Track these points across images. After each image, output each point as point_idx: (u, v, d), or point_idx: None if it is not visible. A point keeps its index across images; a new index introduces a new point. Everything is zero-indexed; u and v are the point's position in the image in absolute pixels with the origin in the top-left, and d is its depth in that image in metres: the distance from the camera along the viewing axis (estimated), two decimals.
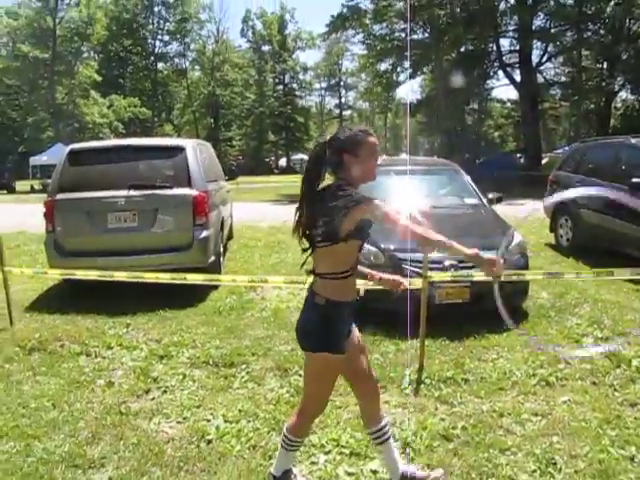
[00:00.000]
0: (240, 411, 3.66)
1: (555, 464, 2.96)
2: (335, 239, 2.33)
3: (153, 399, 3.92)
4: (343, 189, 2.33)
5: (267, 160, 60.94)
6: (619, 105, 34.53)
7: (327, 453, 3.15)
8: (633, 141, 8.11)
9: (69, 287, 6.92)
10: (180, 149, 6.63)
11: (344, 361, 2.49)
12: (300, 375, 4.20)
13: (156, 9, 57.11)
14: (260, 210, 16.52)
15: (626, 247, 7.43)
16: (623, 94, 32.76)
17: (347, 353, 2.48)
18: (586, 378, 4.06)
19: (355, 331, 2.63)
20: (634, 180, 7.12)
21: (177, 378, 4.23)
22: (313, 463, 3.06)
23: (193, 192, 6.39)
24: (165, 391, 4.03)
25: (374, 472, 2.94)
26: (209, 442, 3.28)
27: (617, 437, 3.22)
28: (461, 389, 3.90)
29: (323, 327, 2.42)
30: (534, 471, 2.91)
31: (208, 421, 3.54)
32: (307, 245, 2.45)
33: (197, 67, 60.07)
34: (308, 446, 3.20)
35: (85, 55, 52.01)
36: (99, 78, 47.94)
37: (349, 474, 2.94)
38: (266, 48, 59.98)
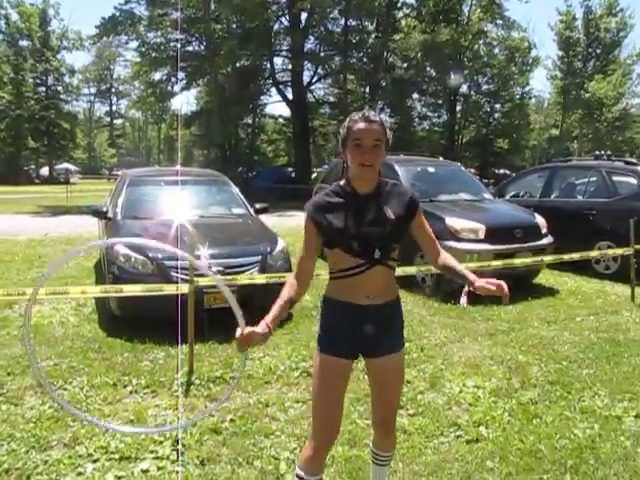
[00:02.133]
0: None
1: None
2: None
3: None
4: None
5: (26, 168, 55.25)
6: None
7: (95, 461, 3.09)
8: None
9: None
10: None
11: (342, 369, 2.29)
12: (64, 389, 4.04)
13: None
14: (17, 222, 15.14)
15: None
16: (383, 116, 36.79)
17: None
18: None
19: (387, 358, 2.33)
20: None
21: None
22: (80, 474, 2.98)
23: None
24: None
25: (145, 472, 2.98)
26: None
27: (364, 411, 3.73)
28: (229, 386, 4.10)
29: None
30: (295, 449, 3.24)
31: None
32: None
33: None
34: (74, 457, 3.11)
35: None
36: None
37: (119, 477, 2.93)
38: (25, 43, 54.42)
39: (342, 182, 2.30)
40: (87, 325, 5.60)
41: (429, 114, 38.58)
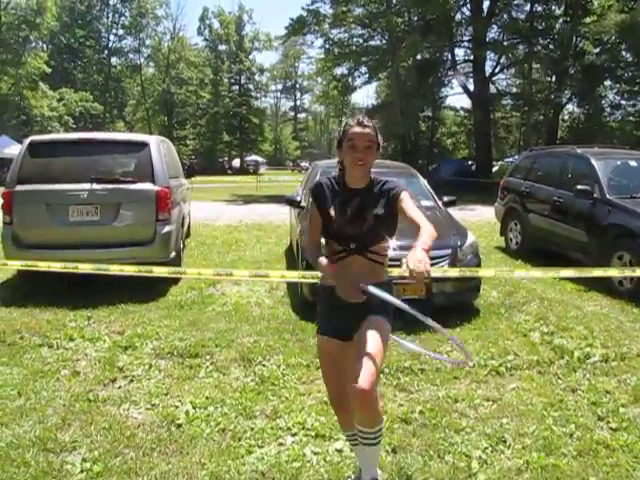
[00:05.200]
0: (207, 398, 3.78)
1: (505, 441, 3.24)
2: None
3: (120, 387, 3.99)
4: None
5: (220, 160, 60.48)
6: (566, 117, 35.99)
7: (294, 435, 3.32)
8: (579, 151, 8.63)
9: (25, 281, 6.84)
10: (144, 144, 6.67)
11: (330, 349, 2.59)
12: (263, 365, 4.38)
13: (112, 2, 56.06)
14: (215, 209, 16.57)
15: (570, 250, 7.88)
16: (570, 107, 34.19)
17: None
18: (533, 368, 4.39)
19: (363, 323, 2.48)
20: (579, 187, 7.57)
21: (143, 368, 4.31)
22: (281, 444, 3.22)
23: (156, 187, 6.44)
24: (132, 380, 4.11)
25: (339, 451, 3.13)
26: (179, 426, 3.40)
27: (559, 417, 3.54)
28: (418, 378, 4.13)
29: None
30: (486, 448, 3.17)
31: (177, 407, 3.65)
32: None
33: (152, 64, 59.12)
34: (275, 429, 3.37)
35: (33, 45, 49.78)
36: (48, 70, 46.19)
37: (315, 453, 3.11)
38: (223, 48, 59.64)
39: (338, 174, 2.58)
40: (280, 307, 6.00)
41: (623, 102, 34.87)
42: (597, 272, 5.47)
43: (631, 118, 34.99)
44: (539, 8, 29.44)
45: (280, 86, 75.07)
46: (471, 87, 30.54)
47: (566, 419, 3.52)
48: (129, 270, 4.87)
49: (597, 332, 5.26)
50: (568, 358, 4.59)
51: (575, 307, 6.12)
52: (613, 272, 5.95)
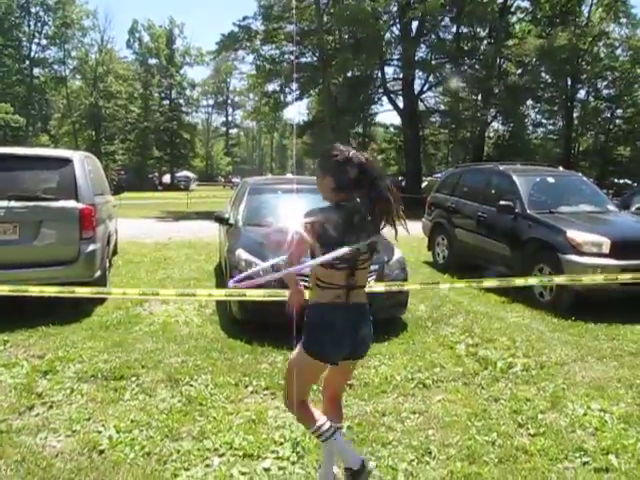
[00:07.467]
0: (132, 421, 3.66)
1: (430, 453, 3.32)
2: None
3: (38, 415, 3.79)
4: None
5: (151, 176, 59.21)
6: (492, 134, 37.56)
7: (221, 456, 3.27)
8: (501, 168, 9.01)
9: None
10: (67, 160, 6.43)
11: None
12: (191, 385, 4.30)
13: (33, 10, 53.81)
14: (144, 226, 16.19)
15: (495, 263, 8.18)
16: (495, 124, 35.79)
17: None
18: (458, 379, 4.52)
19: None
20: (501, 202, 7.89)
21: (64, 393, 4.12)
22: (208, 466, 3.16)
23: (80, 205, 6.22)
24: (51, 406, 3.92)
25: (267, 470, 3.11)
26: (101, 452, 3.27)
27: (482, 427, 3.67)
28: (346, 393, 4.13)
29: None
30: (412, 460, 3.24)
31: (99, 432, 3.51)
32: None
33: (78, 76, 57.27)
34: (202, 450, 3.31)
35: None
36: None
37: (243, 473, 3.08)
38: (153, 61, 58.72)
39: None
40: (209, 326, 5.91)
41: (543, 121, 36.96)
42: (518, 282, 5.72)
43: (551, 136, 37.05)
44: (465, 30, 30.68)
45: (212, 101, 74.62)
46: (401, 104, 31.38)
47: (489, 428, 3.65)
48: (50, 291, 4.67)
49: (519, 342, 5.49)
50: (492, 369, 4.76)
51: (499, 319, 6.36)
52: (533, 281, 6.24)
